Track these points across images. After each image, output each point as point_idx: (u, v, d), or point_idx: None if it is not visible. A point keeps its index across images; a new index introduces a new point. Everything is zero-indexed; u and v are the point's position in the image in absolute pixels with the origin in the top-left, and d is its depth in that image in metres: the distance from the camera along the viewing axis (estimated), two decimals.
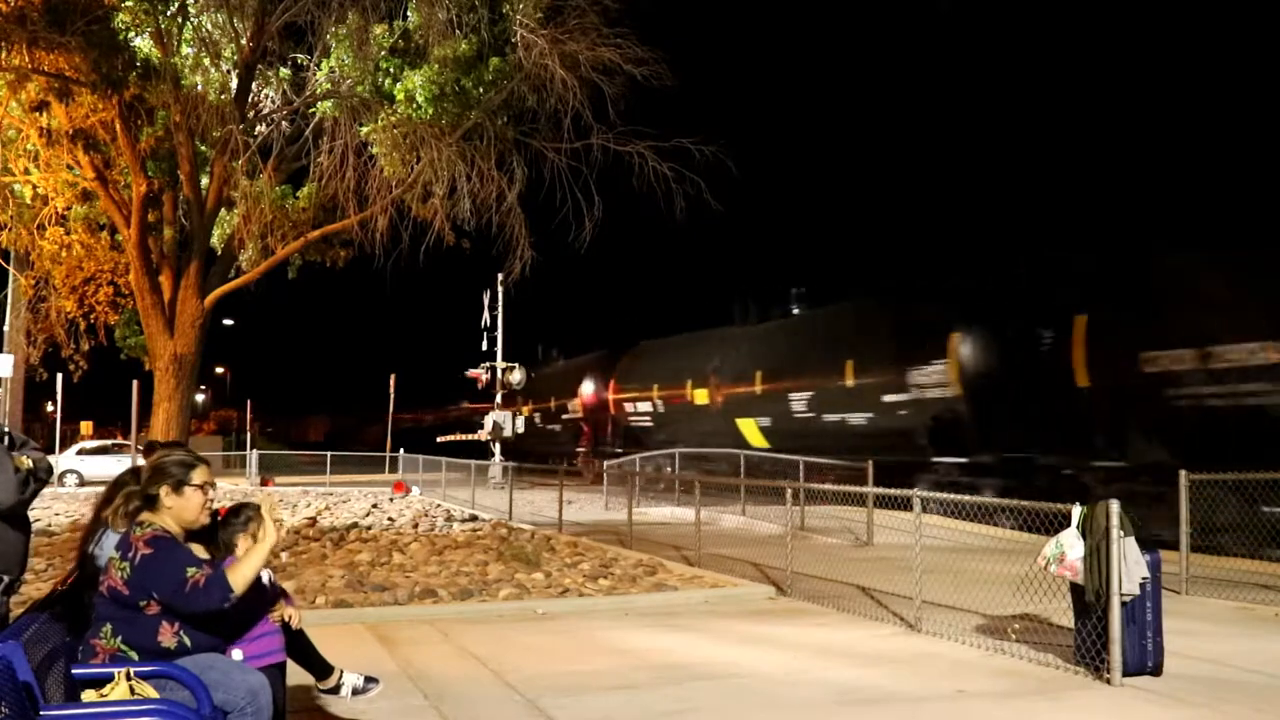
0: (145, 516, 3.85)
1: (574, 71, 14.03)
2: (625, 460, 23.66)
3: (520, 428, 33.48)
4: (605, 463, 23.94)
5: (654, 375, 31.53)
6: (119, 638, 3.66)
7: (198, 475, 3.94)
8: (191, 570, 3.64)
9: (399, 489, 25.73)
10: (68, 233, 16.71)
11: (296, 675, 4.61)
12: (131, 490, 3.96)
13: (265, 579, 4.18)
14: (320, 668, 4.58)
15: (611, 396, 34.53)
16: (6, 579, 4.34)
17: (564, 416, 38.91)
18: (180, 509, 3.90)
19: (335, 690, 4.63)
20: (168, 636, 3.67)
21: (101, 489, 4.30)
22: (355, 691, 4.64)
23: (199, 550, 3.99)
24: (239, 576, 3.67)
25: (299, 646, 4.47)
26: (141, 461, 4.23)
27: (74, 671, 3.58)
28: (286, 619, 4.31)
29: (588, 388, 36.63)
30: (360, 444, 52.12)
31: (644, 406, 31.94)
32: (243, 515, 4.31)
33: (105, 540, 3.94)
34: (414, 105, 13.79)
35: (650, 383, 31.58)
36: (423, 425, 54.31)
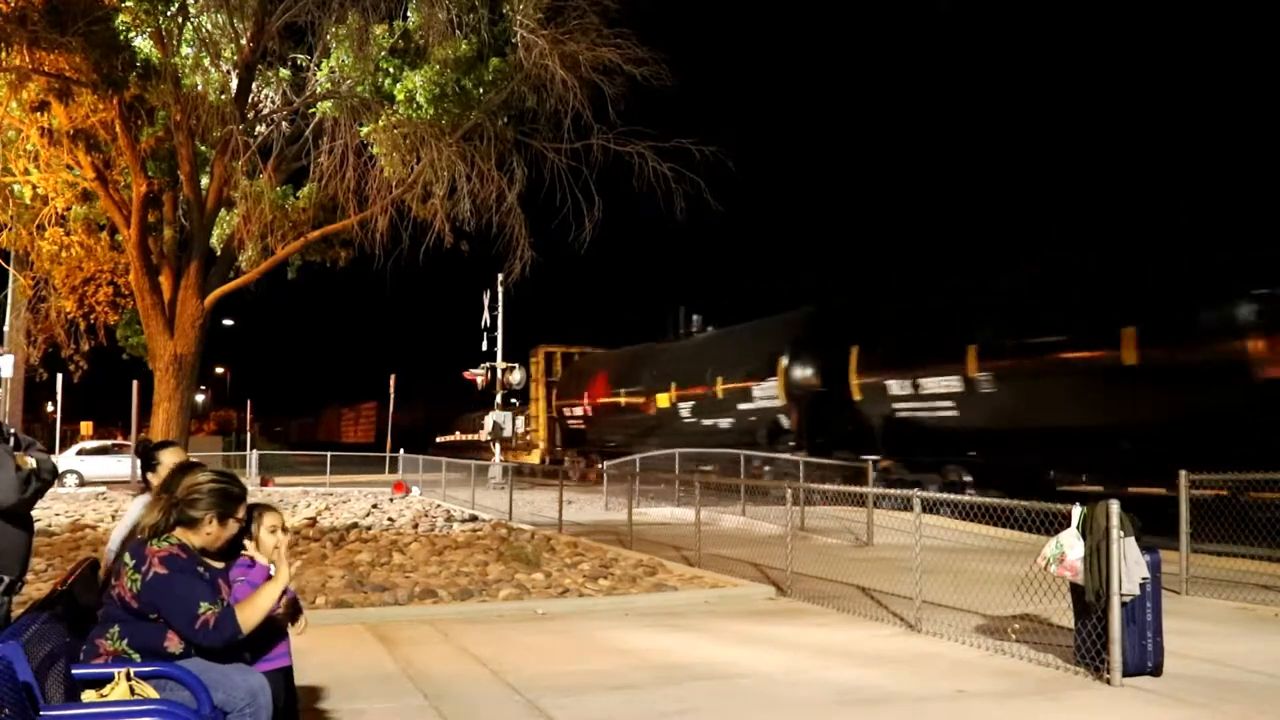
0: (176, 533, 3.80)
1: (574, 72, 14.04)
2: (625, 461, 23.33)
3: (520, 428, 33.32)
4: (606, 462, 23.88)
5: None
6: (125, 640, 3.65)
7: (243, 511, 3.96)
8: (204, 607, 3.61)
9: (399, 489, 25.73)
10: (68, 233, 16.71)
11: (297, 677, 4.61)
12: (175, 503, 3.85)
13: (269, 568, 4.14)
14: None
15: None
16: (7, 579, 4.34)
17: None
18: (217, 537, 3.88)
19: None
20: (174, 643, 3.66)
21: (105, 489, 4.26)
22: None
23: (213, 562, 3.94)
24: (248, 617, 3.67)
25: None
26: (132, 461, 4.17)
27: (74, 671, 3.57)
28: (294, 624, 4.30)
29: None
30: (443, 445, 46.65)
31: None
32: (251, 516, 4.28)
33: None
34: (414, 105, 13.80)
35: None
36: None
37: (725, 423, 24.80)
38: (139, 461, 5.26)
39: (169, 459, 4.71)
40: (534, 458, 40.48)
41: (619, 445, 27.87)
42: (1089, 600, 6.32)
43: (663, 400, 27.95)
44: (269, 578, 4.06)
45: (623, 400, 30.95)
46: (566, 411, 36.21)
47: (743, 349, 24.89)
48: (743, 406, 24.06)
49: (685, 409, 26.87)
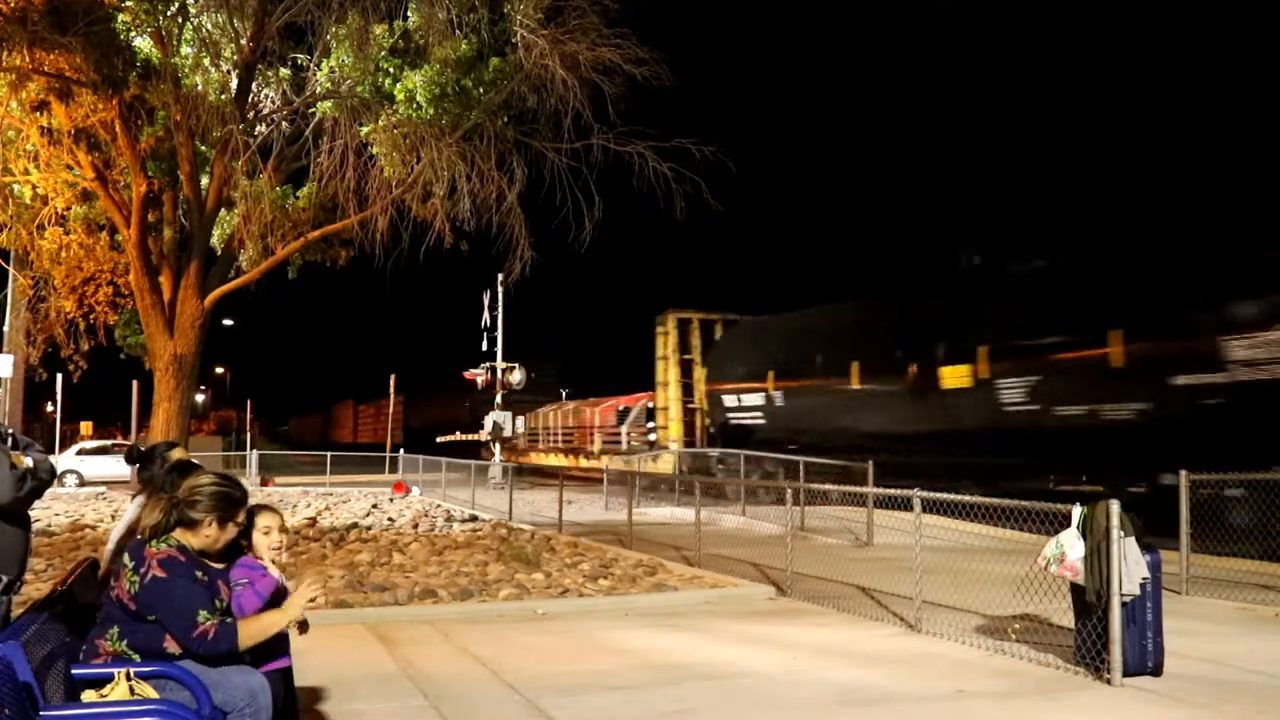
0: (175, 534, 3.79)
1: (574, 72, 14.03)
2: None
3: (520, 428, 33.01)
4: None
5: None
6: (124, 640, 3.65)
7: (243, 515, 3.95)
8: (203, 616, 3.61)
9: (399, 489, 25.73)
10: (67, 233, 16.70)
11: (297, 678, 4.61)
12: (175, 504, 3.84)
13: (278, 579, 4.12)
14: None
15: None
16: (6, 579, 4.34)
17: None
18: (216, 539, 3.87)
19: None
20: (173, 644, 3.66)
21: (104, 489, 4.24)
22: None
23: (212, 563, 3.92)
24: (248, 636, 3.66)
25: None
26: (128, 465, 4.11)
27: (74, 671, 3.57)
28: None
29: None
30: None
31: None
32: (253, 517, 4.26)
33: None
34: (414, 105, 13.79)
35: None
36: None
37: (1126, 411, 14.79)
38: (135, 464, 5.26)
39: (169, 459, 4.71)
40: (663, 465, 28.10)
41: (841, 448, 17.86)
42: (1089, 600, 6.32)
43: (954, 377, 17.73)
44: (278, 589, 4.03)
45: (853, 382, 20.49)
46: (727, 400, 25.82)
47: (1179, 278, 14.24)
48: (1184, 382, 13.76)
49: (1013, 389, 16.68)
